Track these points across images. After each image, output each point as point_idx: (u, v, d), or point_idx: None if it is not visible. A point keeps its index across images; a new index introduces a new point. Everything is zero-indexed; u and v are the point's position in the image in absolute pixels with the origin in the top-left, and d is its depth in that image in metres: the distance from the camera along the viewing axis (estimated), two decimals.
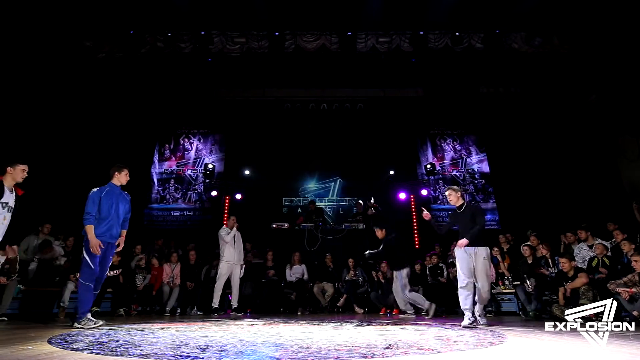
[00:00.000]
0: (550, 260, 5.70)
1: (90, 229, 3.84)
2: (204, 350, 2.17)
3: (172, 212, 10.55)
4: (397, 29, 9.67)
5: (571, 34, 9.17)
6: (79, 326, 3.59)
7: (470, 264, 4.16)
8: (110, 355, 2.02)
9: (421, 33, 9.57)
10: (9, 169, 3.63)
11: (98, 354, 2.06)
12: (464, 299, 4.09)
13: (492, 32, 9.52)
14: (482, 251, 4.18)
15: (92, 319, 3.67)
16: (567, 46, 9.33)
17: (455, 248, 4.31)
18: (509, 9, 8.74)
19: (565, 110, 10.16)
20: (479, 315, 4.28)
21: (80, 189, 8.77)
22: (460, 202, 4.47)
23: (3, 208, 3.52)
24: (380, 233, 5.67)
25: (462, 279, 4.13)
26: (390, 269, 5.38)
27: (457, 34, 9.52)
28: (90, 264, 3.79)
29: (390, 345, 2.37)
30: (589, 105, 9.84)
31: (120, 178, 4.29)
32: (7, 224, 3.55)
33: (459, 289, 4.15)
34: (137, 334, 3.06)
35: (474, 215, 4.29)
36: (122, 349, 2.22)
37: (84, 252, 3.83)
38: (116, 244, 4.10)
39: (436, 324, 4.16)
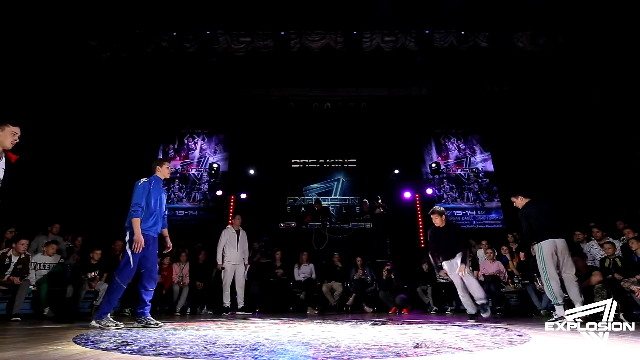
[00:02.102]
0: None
1: (137, 223, 3.64)
2: (236, 349, 2.17)
3: (177, 211, 10.54)
4: (402, 28, 9.68)
5: (576, 33, 9.19)
6: (97, 325, 3.47)
7: None
8: (144, 355, 2.01)
9: (427, 32, 9.57)
10: None
11: (130, 353, 2.06)
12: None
13: (498, 31, 9.54)
14: None
15: (112, 320, 3.54)
16: (572, 45, 9.35)
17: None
18: (514, 8, 8.76)
19: (570, 109, 10.19)
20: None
21: (86, 188, 8.86)
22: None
23: None
24: (439, 220, 4.84)
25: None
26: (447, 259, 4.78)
27: (463, 33, 9.53)
28: (131, 262, 3.60)
29: (418, 344, 2.37)
30: (593, 104, 9.86)
31: (163, 171, 4.09)
32: None
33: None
34: (158, 333, 3.05)
35: None
36: (152, 348, 2.22)
37: (127, 248, 3.63)
38: (168, 246, 4.07)
39: (451, 323, 4.17)
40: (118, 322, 3.57)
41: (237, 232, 6.42)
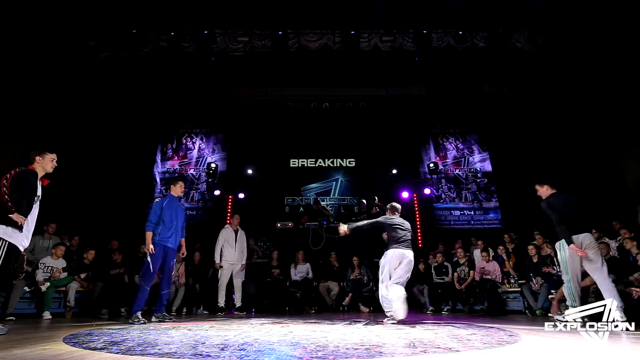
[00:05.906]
0: (556, 259, 5.70)
1: (149, 236, 4.33)
2: (223, 349, 2.17)
3: None
4: (400, 27, 9.66)
5: (575, 32, 9.17)
6: (130, 322, 4.08)
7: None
8: (130, 355, 2.01)
9: (424, 32, 9.56)
10: (37, 158, 3.29)
11: (117, 353, 2.06)
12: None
13: (496, 31, 9.51)
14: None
15: (140, 317, 4.10)
16: (571, 45, 9.32)
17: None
18: (512, 7, 8.74)
19: (568, 108, 10.17)
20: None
21: (82, 187, 8.86)
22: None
23: (36, 202, 3.33)
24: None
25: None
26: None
27: (460, 33, 9.51)
28: (151, 267, 4.27)
29: (407, 344, 2.37)
30: (592, 104, 9.84)
31: (176, 190, 4.78)
32: (36, 216, 3.40)
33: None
34: (150, 333, 3.05)
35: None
36: (140, 348, 2.22)
37: (148, 257, 4.31)
38: (182, 254, 4.86)
39: (445, 323, 4.16)
40: (145, 319, 4.13)
41: (236, 232, 6.44)
